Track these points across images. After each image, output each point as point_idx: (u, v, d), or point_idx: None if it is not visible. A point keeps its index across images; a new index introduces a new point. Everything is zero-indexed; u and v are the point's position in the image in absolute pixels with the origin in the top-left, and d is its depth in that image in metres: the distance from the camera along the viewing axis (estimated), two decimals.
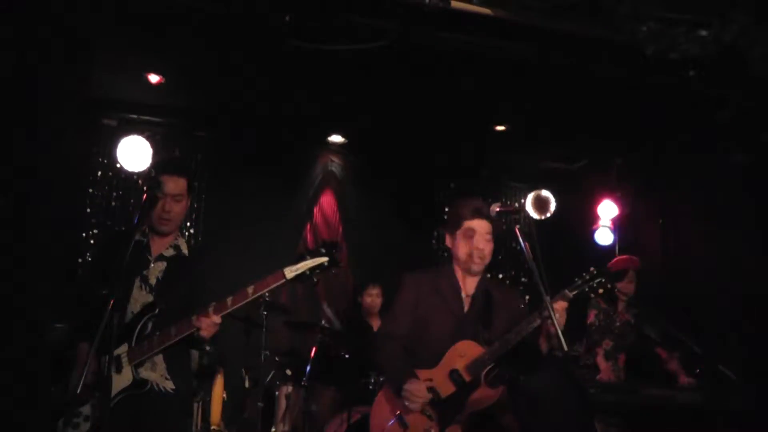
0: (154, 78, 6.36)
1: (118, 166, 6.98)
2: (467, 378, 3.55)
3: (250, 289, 3.26)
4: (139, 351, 3.37)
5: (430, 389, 3.58)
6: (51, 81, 4.83)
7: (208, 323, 3.29)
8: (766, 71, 4.36)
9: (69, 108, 5.05)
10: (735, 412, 4.50)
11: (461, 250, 3.80)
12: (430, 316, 3.77)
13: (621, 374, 5.83)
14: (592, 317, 5.96)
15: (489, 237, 3.78)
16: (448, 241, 3.93)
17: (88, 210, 7.08)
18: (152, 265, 3.61)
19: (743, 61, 4.39)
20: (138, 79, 6.39)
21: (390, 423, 3.65)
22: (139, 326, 3.41)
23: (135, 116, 7.16)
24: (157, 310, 3.44)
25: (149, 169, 6.71)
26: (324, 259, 3.25)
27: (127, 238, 3.32)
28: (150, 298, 3.51)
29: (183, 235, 3.87)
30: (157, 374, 3.45)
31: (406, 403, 3.55)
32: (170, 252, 3.68)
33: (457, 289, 3.81)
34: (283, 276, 3.23)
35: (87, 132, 6.97)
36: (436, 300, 3.79)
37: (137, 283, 3.55)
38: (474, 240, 3.75)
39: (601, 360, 5.80)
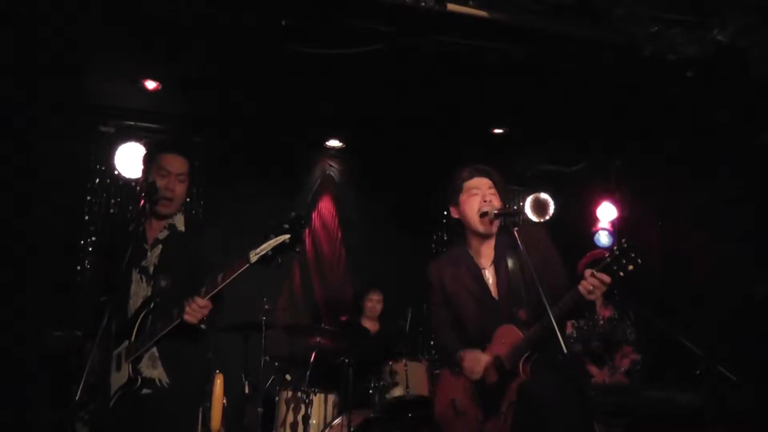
0: (150, 84, 6.36)
1: (115, 173, 6.98)
2: (507, 366, 3.42)
3: (219, 277, 3.16)
4: (134, 348, 3.32)
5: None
6: (49, 86, 4.83)
7: (193, 307, 3.17)
8: (765, 71, 4.36)
9: (67, 114, 5.05)
10: (735, 413, 4.48)
11: (469, 210, 3.64)
12: (462, 306, 3.68)
13: (621, 375, 5.76)
14: (570, 328, 5.85)
15: (493, 191, 3.64)
16: (454, 213, 3.77)
17: (86, 217, 7.07)
18: (149, 253, 3.49)
19: (741, 61, 4.38)
20: (135, 86, 6.39)
21: (447, 405, 3.65)
22: (138, 322, 3.34)
23: (132, 123, 7.14)
24: (152, 305, 3.35)
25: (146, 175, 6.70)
26: (285, 237, 3.08)
27: (125, 242, 3.26)
28: (149, 291, 3.42)
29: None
30: (159, 371, 3.37)
31: (468, 374, 3.50)
32: (164, 233, 3.54)
33: (476, 274, 3.65)
34: (248, 260, 3.09)
35: (84, 139, 6.97)
36: (461, 291, 3.67)
37: (136, 276, 3.44)
38: (480, 195, 3.61)
39: (590, 366, 5.75)
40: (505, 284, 3.59)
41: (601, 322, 5.85)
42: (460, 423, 3.57)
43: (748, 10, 4.23)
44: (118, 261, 3.20)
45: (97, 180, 7.16)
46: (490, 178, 3.69)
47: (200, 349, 3.52)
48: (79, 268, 6.93)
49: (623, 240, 3.26)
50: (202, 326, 3.30)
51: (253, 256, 3.09)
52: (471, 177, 3.69)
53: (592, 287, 3.19)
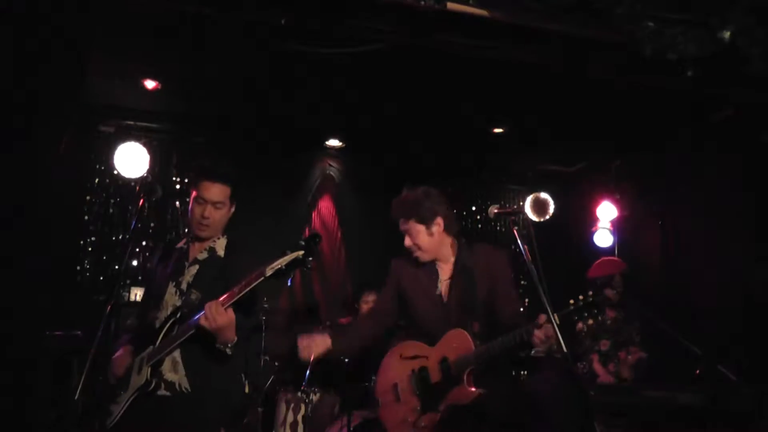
0: (150, 84, 6.35)
1: (115, 173, 6.98)
2: (453, 371, 3.61)
3: (236, 289, 3.26)
4: (156, 351, 3.42)
5: (422, 369, 3.73)
6: (48, 86, 4.82)
7: (211, 309, 3.22)
8: (765, 70, 4.35)
9: (66, 114, 5.04)
10: (735, 413, 4.48)
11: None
12: (415, 302, 3.89)
13: (626, 374, 5.74)
14: (580, 325, 5.83)
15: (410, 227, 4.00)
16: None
17: (86, 217, 7.07)
18: (186, 270, 3.62)
19: (741, 60, 4.38)
20: (135, 85, 6.38)
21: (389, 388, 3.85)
22: (164, 329, 3.45)
23: (132, 122, 7.15)
24: (179, 314, 3.45)
25: (148, 174, 6.73)
26: (298, 253, 3.20)
27: (169, 256, 3.45)
28: (179, 303, 3.54)
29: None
30: (179, 375, 3.44)
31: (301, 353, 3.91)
32: (203, 255, 3.66)
33: (434, 278, 3.89)
34: (263, 274, 3.20)
35: (84, 139, 6.96)
36: (416, 286, 3.91)
37: (171, 288, 3.57)
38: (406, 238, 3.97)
39: (597, 366, 5.74)
40: (459, 292, 3.79)
41: (609, 321, 5.84)
42: (398, 409, 3.77)
43: (748, 10, 4.23)
44: (160, 273, 3.47)
45: (97, 180, 7.17)
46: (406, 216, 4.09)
47: (228, 365, 3.52)
48: (79, 268, 6.93)
49: (590, 293, 3.40)
50: (228, 351, 3.36)
51: (269, 270, 3.19)
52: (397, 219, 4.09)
53: (543, 338, 3.34)
